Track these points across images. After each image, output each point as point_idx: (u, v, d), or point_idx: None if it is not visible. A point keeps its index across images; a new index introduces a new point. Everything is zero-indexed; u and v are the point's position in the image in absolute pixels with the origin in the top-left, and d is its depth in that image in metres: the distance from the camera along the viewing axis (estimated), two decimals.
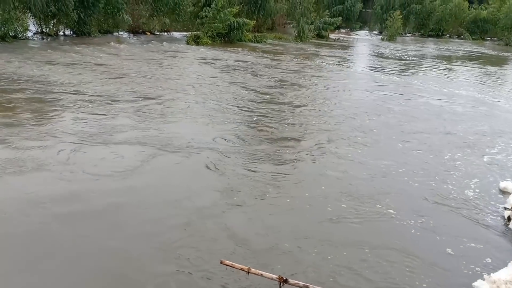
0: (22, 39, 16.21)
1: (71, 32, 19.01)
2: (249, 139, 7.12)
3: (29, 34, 17.23)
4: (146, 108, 8.39)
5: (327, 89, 11.92)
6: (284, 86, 11.59)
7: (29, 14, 17.19)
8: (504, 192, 5.76)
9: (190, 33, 22.40)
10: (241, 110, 8.85)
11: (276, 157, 6.36)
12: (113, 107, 8.28)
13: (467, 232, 4.68)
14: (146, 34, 22.52)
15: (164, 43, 19.57)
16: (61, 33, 18.91)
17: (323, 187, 5.48)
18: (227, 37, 22.05)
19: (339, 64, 17.51)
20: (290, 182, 5.58)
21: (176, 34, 23.70)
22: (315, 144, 7.07)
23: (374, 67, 17.72)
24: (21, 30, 16.43)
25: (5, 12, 15.43)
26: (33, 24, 18.02)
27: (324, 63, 17.20)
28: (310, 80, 12.97)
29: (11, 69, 10.90)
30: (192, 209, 4.67)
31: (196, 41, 20.55)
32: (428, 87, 13.12)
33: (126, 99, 8.93)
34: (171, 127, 7.38)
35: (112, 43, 17.80)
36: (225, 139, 6.94)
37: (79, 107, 8.07)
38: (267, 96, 10.20)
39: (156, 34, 22.91)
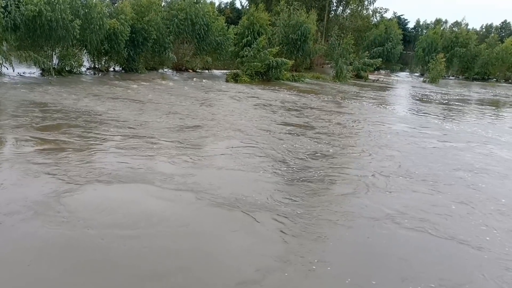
0: (76, 74, 17.69)
1: (121, 68, 20.47)
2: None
3: (83, 69, 18.78)
4: (186, 146, 8.55)
5: (368, 132, 11.83)
6: (323, 129, 11.67)
7: (84, 51, 18.80)
8: None
9: (230, 71, 23.42)
10: (267, 142, 9.11)
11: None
12: (153, 144, 8.54)
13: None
14: (189, 71, 23.80)
15: (204, 80, 20.58)
16: (111, 69, 20.43)
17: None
18: (265, 76, 22.83)
19: (375, 105, 17.54)
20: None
21: (217, 72, 24.84)
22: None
23: (411, 109, 17.58)
24: (76, 65, 17.97)
25: (63, 49, 17.04)
26: (87, 60, 19.65)
27: (363, 104, 17.28)
28: (348, 121, 13.06)
29: (63, 101, 11.89)
30: None
31: (235, 78, 21.43)
32: (479, 133, 12.64)
33: (166, 135, 9.19)
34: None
35: (158, 80, 18.99)
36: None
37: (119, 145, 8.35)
38: (293, 132, 10.42)
39: (198, 72, 24.13)
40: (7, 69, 15.54)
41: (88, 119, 9.92)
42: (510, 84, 37.60)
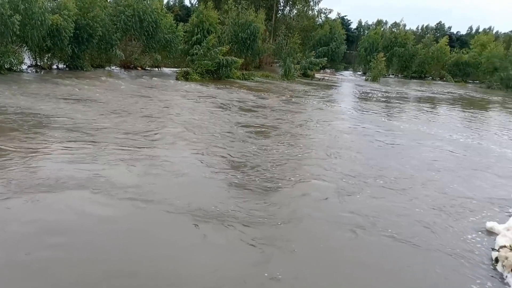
0: (16, 72, 16.78)
1: (64, 66, 19.67)
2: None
3: (24, 67, 17.84)
4: (132, 145, 8.47)
5: (305, 126, 12.47)
6: (270, 124, 12.09)
7: (25, 47, 17.86)
8: (490, 233, 5.87)
9: (180, 69, 23.27)
10: (220, 143, 9.31)
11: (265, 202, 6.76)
12: (98, 141, 8.44)
13: (455, 273, 4.76)
14: (137, 69, 23.34)
15: (154, 78, 20.31)
16: (54, 66, 19.56)
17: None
18: (215, 74, 22.93)
19: (323, 103, 18.30)
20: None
21: (167, 70, 24.59)
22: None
23: (356, 107, 18.53)
24: (16, 62, 17.03)
25: (2, 45, 16.09)
26: (28, 57, 18.68)
27: (309, 102, 17.93)
28: (294, 117, 13.58)
29: (1, 101, 11.30)
30: None
31: (185, 77, 21.33)
32: (411, 128, 13.48)
33: (111, 135, 9.02)
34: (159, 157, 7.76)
35: (104, 77, 18.48)
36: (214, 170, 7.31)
37: (62, 144, 8.14)
38: (247, 131, 10.68)
39: (147, 70, 23.75)
40: None
41: (28, 121, 9.48)
42: (444, 82, 40.41)
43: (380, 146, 10.47)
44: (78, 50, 19.21)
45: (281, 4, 36.45)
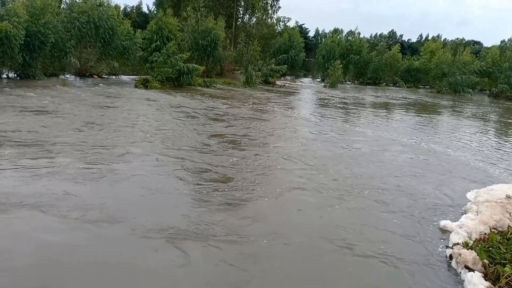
0: None
1: (15, 75, 18.60)
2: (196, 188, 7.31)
3: None
4: (94, 160, 8.08)
5: (272, 134, 12.45)
6: (240, 133, 11.97)
7: None
8: (444, 231, 6.01)
9: (139, 76, 22.68)
10: (189, 155, 9.06)
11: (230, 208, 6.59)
12: (55, 157, 7.95)
13: (410, 270, 4.87)
14: (94, 77, 22.52)
15: (112, 86, 19.65)
16: (4, 75, 18.45)
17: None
18: (176, 81, 22.54)
19: (285, 109, 18.44)
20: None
21: (125, 78, 23.91)
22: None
23: (317, 113, 18.81)
24: None
25: None
26: None
27: (270, 109, 18.00)
28: (256, 124, 13.53)
29: None
30: None
31: (145, 84, 20.80)
32: (374, 135, 13.76)
33: (69, 149, 8.50)
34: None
35: (58, 86, 17.66)
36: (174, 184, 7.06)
37: (14, 161, 7.57)
38: (215, 141, 10.49)
39: (104, 77, 22.98)
40: None
41: None
42: (397, 88, 42.11)
43: (350, 154, 10.61)
44: (30, 58, 18.24)
45: (241, 12, 36.65)
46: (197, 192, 6.79)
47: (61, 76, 20.88)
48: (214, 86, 24.63)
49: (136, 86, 20.62)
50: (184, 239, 5.13)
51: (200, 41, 26.77)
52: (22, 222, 5.21)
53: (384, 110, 22.20)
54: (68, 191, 6.18)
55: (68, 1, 22.59)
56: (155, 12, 37.42)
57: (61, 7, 21.35)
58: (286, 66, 33.27)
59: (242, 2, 35.75)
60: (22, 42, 17.19)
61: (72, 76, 21.54)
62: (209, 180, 7.38)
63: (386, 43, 51.13)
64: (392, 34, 68.61)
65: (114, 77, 23.62)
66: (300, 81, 40.24)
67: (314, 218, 6.26)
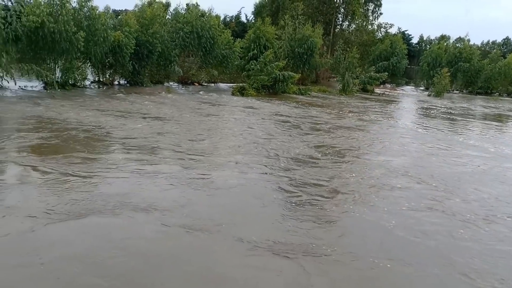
0: (80, 87, 17.15)
1: (125, 82, 19.98)
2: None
3: (87, 82, 18.25)
4: (190, 163, 7.97)
5: (379, 146, 11.36)
6: (342, 143, 11.14)
7: (89, 64, 18.30)
8: None
9: (236, 84, 23.00)
10: (294, 166, 8.49)
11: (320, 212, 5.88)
12: (155, 158, 8.05)
13: None
14: (194, 84, 23.39)
15: (211, 93, 20.10)
16: (116, 82, 19.93)
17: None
18: (271, 89, 22.37)
19: (387, 119, 17.04)
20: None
21: (222, 85, 24.46)
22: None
23: (423, 124, 17.05)
24: (80, 78, 17.45)
25: (66, 62, 16.53)
26: (91, 73, 19.15)
27: (372, 118, 16.76)
28: (359, 134, 12.55)
29: (67, 117, 11.29)
30: None
31: (241, 92, 20.95)
32: (483, 147, 12.13)
33: (169, 152, 8.60)
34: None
35: (163, 92, 18.50)
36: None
37: (123, 164, 7.74)
38: (319, 152, 9.76)
39: (204, 85, 23.73)
40: (8, 82, 14.97)
41: (94, 138, 9.30)
42: None
43: (471, 172, 9.10)
44: (139, 66, 19.45)
45: (340, 19, 35.57)
46: (304, 205, 6.21)
47: (165, 83, 21.99)
48: (309, 94, 23.97)
49: (233, 94, 20.86)
50: (291, 254, 4.65)
51: (296, 49, 26.42)
52: (130, 226, 5.12)
53: (500, 123, 19.42)
54: (176, 199, 6.04)
55: (172, 12, 23.94)
56: (252, 21, 38.12)
57: (166, 17, 22.53)
58: (386, 73, 31.28)
59: (342, 9, 34.68)
60: (132, 51, 18.35)
61: (175, 84, 22.58)
62: (316, 195, 6.69)
63: (500, 50, 45.82)
64: (507, 41, 61.37)
65: (212, 84, 24.30)
66: (402, 89, 37.64)
67: (444, 244, 5.24)
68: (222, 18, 33.87)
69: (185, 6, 24.35)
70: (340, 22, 35.99)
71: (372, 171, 8.42)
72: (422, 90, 38.61)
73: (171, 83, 22.51)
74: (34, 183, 6.19)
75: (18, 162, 7.05)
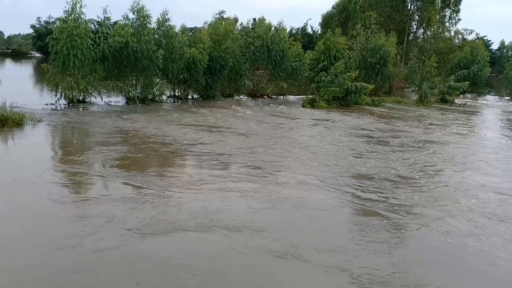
0: (157, 102, 17.91)
1: (198, 96, 20.56)
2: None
3: (164, 97, 19.04)
4: (275, 181, 7.74)
5: (475, 162, 10.37)
6: (426, 158, 10.38)
7: (166, 79, 19.10)
8: None
9: (305, 96, 22.69)
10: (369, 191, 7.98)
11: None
12: (239, 175, 7.97)
13: None
14: (264, 97, 23.43)
15: (281, 106, 19.96)
16: (189, 96, 20.58)
17: None
18: (343, 100, 21.73)
19: (474, 133, 15.70)
20: None
21: (291, 97, 24.26)
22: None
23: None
24: (158, 94, 18.24)
25: (147, 78, 17.39)
26: (168, 88, 19.96)
27: (460, 131, 15.51)
28: (453, 152, 11.54)
29: (151, 130, 11.76)
30: None
31: (312, 104, 20.58)
32: None
33: (252, 170, 8.45)
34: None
35: (235, 106, 18.70)
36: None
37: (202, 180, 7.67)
38: (410, 171, 9.10)
39: (273, 97, 23.69)
40: (95, 98, 16.10)
41: (175, 152, 9.56)
42: None
43: None
44: (211, 81, 19.90)
45: (414, 26, 33.93)
46: (413, 234, 5.76)
47: (236, 97, 22.28)
48: (383, 105, 22.94)
49: (303, 106, 20.56)
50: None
51: (368, 59, 25.54)
52: (206, 243, 5.05)
53: None
54: (268, 219, 5.88)
55: (239, 27, 24.33)
56: (319, 32, 37.70)
57: (236, 32, 22.90)
58: (467, 82, 29.10)
59: (417, 17, 33.06)
60: (206, 66, 18.84)
61: (244, 97, 22.80)
62: (423, 225, 6.03)
63: None
64: None
65: (282, 97, 24.19)
66: (484, 99, 34.76)
67: None
68: (288, 30, 33.94)
69: (252, 21, 24.71)
70: (414, 30, 34.32)
71: (482, 194, 7.57)
72: (508, 99, 35.41)
73: (241, 96, 22.77)
74: (125, 198, 6.35)
75: (107, 175, 7.34)
